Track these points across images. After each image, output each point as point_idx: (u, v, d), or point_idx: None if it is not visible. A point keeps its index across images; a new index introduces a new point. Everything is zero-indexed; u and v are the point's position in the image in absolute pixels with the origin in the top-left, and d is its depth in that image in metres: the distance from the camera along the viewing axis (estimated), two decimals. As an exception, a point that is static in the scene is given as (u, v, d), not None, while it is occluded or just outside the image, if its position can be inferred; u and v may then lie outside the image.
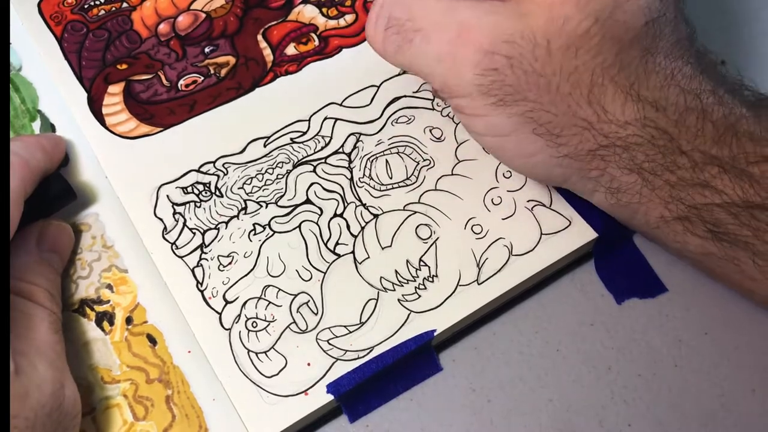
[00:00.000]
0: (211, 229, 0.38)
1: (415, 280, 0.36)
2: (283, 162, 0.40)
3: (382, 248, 0.37)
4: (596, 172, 0.33)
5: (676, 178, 0.32)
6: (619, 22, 0.31)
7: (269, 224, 0.38)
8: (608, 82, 0.31)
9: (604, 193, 0.34)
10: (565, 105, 0.32)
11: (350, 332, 0.35)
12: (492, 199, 0.38)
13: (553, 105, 0.32)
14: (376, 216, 0.38)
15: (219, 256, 0.37)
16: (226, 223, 0.38)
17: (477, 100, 0.33)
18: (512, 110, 0.33)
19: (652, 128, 0.31)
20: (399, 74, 0.44)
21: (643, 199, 0.33)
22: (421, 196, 0.39)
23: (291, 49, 0.45)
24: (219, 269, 0.37)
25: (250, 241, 0.38)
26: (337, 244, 0.37)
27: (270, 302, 0.36)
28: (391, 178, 0.40)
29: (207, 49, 0.45)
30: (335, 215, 0.38)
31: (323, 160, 0.40)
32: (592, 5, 0.31)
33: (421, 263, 0.37)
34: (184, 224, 0.38)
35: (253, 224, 0.38)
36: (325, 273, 0.36)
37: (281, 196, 0.39)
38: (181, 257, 0.37)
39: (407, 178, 0.40)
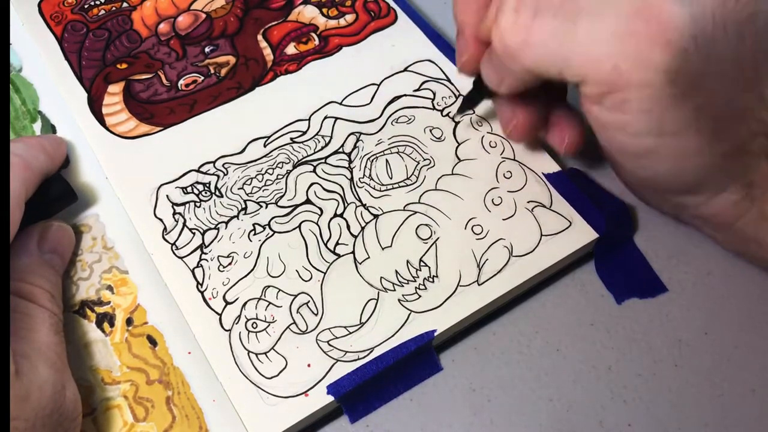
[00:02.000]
0: (211, 229, 0.38)
1: (415, 281, 0.36)
2: (283, 162, 0.40)
3: (383, 248, 0.37)
4: (740, 168, 0.32)
5: None
6: None
7: (269, 224, 0.38)
8: (766, 68, 0.31)
9: (737, 190, 0.33)
10: (730, 94, 0.31)
11: (350, 333, 0.35)
12: (492, 200, 0.38)
13: (722, 94, 0.30)
14: (376, 216, 0.38)
15: (219, 256, 0.37)
16: (226, 223, 0.38)
17: (657, 91, 0.30)
18: (690, 103, 0.30)
19: None
20: (399, 72, 0.44)
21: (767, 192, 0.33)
22: (421, 196, 0.39)
23: (291, 49, 0.45)
24: (219, 270, 0.37)
25: (250, 241, 0.38)
26: (337, 244, 0.37)
27: (270, 303, 0.36)
28: (391, 178, 0.39)
29: (207, 49, 0.45)
30: (335, 215, 0.38)
31: (323, 160, 0.40)
32: None
33: (422, 263, 0.37)
34: (184, 224, 0.38)
35: (253, 224, 0.38)
36: (325, 273, 0.37)
37: (281, 197, 0.39)
38: (181, 258, 0.37)
39: (407, 178, 0.39)
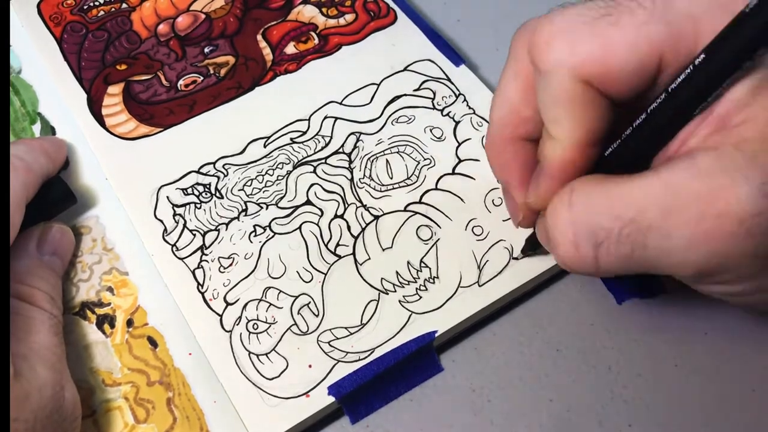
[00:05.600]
0: (211, 230, 0.38)
1: (416, 282, 0.36)
2: (283, 163, 0.40)
3: (383, 249, 0.37)
4: None
5: None
6: None
7: (270, 225, 0.38)
8: None
9: None
10: None
11: (351, 334, 0.35)
12: (493, 200, 0.38)
13: None
14: (376, 217, 0.38)
15: (219, 257, 0.37)
16: (227, 224, 0.38)
17: (747, 270, 0.27)
18: None
19: None
20: (399, 71, 0.44)
21: None
22: (421, 196, 0.39)
23: (291, 48, 0.45)
24: (219, 271, 0.37)
25: (251, 242, 0.38)
26: (337, 245, 0.37)
27: (271, 304, 0.36)
28: (391, 179, 0.40)
29: (206, 49, 0.45)
30: (336, 216, 0.38)
31: (323, 161, 0.40)
32: None
33: (422, 264, 0.37)
34: (185, 226, 0.38)
35: (254, 225, 0.38)
36: (325, 274, 0.37)
37: (281, 197, 0.39)
38: (181, 259, 0.37)
39: (408, 178, 0.40)
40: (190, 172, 0.40)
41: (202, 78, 0.44)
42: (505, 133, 0.33)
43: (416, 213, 0.38)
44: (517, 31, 0.32)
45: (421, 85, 0.43)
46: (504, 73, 0.33)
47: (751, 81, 0.26)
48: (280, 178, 0.40)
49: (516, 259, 0.37)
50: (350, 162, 0.40)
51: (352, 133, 0.41)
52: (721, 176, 0.26)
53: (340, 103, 0.43)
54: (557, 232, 0.29)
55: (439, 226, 0.38)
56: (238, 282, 0.37)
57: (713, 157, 0.26)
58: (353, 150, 0.41)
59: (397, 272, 0.36)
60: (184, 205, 0.39)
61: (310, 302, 0.36)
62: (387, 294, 0.36)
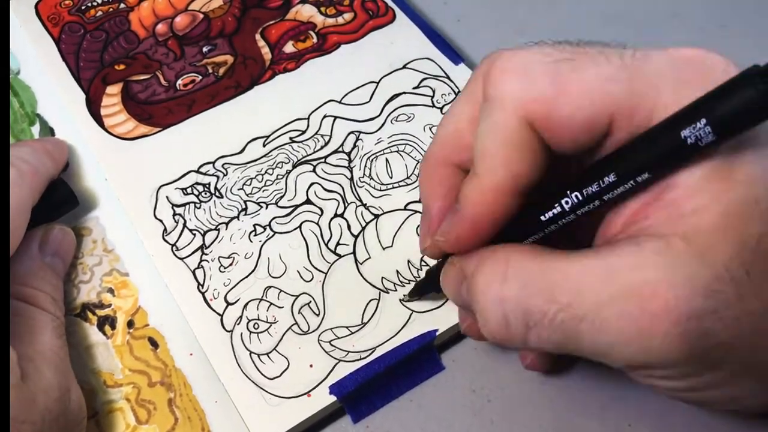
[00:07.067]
0: (211, 230, 0.38)
1: (416, 281, 0.36)
2: (282, 162, 0.40)
3: (383, 248, 0.37)
4: None
5: None
6: None
7: (270, 225, 0.38)
8: None
9: None
10: None
11: (352, 333, 0.35)
12: (492, 199, 0.38)
13: (765, 338, 0.26)
14: (376, 216, 0.38)
15: (220, 257, 0.37)
16: (227, 224, 0.38)
17: (677, 369, 0.26)
18: (724, 367, 0.26)
19: None
20: (398, 69, 0.44)
21: None
22: (421, 195, 0.39)
23: (289, 47, 0.45)
24: (220, 271, 0.37)
25: (251, 242, 0.38)
26: (338, 244, 0.37)
27: (271, 303, 0.36)
28: (391, 178, 0.40)
29: (205, 49, 0.45)
30: (336, 215, 0.38)
31: (323, 160, 0.40)
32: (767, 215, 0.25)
33: (423, 263, 0.37)
34: (185, 225, 0.38)
35: (254, 225, 0.38)
36: (326, 274, 0.37)
37: (281, 197, 0.39)
38: (181, 259, 0.37)
39: (407, 177, 0.40)
40: (189, 172, 0.40)
41: (200, 77, 0.44)
42: (443, 153, 0.31)
43: (416, 212, 0.38)
44: (483, 59, 0.30)
45: (420, 82, 0.43)
46: (459, 96, 0.31)
47: (705, 167, 0.25)
48: (279, 177, 0.40)
49: (401, 301, 0.36)
50: (350, 161, 0.40)
51: (352, 132, 0.41)
52: (664, 271, 0.25)
53: (340, 102, 0.43)
54: (488, 306, 0.27)
55: (439, 225, 0.38)
56: (239, 282, 0.37)
57: (659, 247, 0.25)
58: (353, 149, 0.41)
59: (397, 271, 0.36)
60: (183, 205, 0.39)
61: (310, 301, 0.36)
62: (388, 293, 0.36)
